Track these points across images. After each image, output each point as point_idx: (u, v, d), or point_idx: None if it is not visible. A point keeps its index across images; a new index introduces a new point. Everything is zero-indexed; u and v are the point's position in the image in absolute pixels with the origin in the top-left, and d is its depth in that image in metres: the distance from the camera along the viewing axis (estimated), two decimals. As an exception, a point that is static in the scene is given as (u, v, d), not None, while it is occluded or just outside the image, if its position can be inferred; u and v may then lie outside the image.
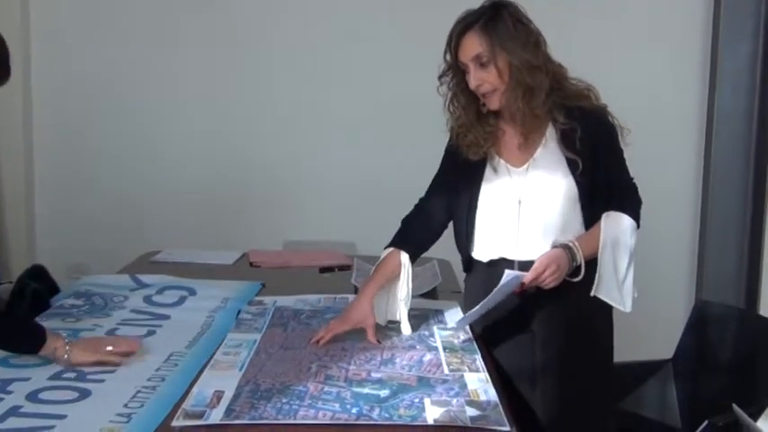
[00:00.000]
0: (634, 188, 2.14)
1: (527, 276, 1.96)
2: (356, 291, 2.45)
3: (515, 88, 1.97)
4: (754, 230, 3.73)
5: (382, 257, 2.13)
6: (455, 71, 2.05)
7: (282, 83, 3.90)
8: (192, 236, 3.81)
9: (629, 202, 2.10)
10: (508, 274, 1.94)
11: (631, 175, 2.13)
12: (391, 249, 2.13)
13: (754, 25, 3.64)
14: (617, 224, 2.05)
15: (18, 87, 3.85)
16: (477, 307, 2.02)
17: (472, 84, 1.99)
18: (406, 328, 2.08)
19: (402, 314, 2.10)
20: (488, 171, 2.09)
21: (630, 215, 2.07)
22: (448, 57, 2.04)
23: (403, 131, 3.82)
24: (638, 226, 2.09)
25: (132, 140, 3.95)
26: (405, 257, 2.11)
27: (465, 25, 1.98)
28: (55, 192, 4.00)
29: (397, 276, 2.11)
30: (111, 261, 2.97)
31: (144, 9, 3.90)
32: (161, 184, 3.95)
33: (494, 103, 2.02)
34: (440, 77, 2.08)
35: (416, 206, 2.21)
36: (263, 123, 3.93)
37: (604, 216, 2.05)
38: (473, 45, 1.97)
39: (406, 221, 2.19)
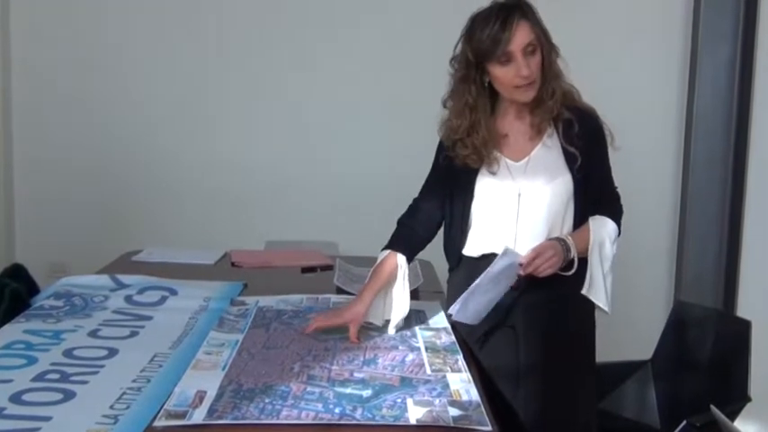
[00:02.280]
0: (617, 196, 2.18)
1: (526, 256, 1.97)
2: (338, 291, 2.46)
3: (549, 79, 2.02)
4: (732, 232, 3.76)
5: (379, 260, 2.13)
6: (476, 67, 2.03)
7: (262, 83, 3.88)
8: (174, 235, 3.80)
9: (613, 209, 2.14)
10: (506, 249, 1.95)
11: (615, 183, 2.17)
12: (388, 252, 2.13)
13: (734, 26, 3.66)
14: (603, 228, 2.08)
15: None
16: (473, 286, 1.97)
17: (524, 71, 1.97)
18: (391, 329, 2.08)
19: (395, 316, 2.09)
20: (485, 166, 2.09)
21: (614, 221, 2.11)
22: (469, 53, 2.01)
23: (385, 132, 3.83)
24: (619, 233, 2.12)
25: (113, 140, 3.92)
26: (402, 260, 2.12)
27: (521, 14, 1.97)
28: (35, 190, 3.96)
29: (394, 278, 2.11)
30: (92, 260, 2.94)
31: (121, 12, 3.88)
32: (142, 183, 3.93)
33: (530, 95, 2.02)
34: (452, 60, 2.09)
35: (411, 206, 2.22)
36: (244, 123, 3.92)
37: (592, 219, 2.08)
38: (526, 33, 1.97)
39: (402, 222, 2.19)
